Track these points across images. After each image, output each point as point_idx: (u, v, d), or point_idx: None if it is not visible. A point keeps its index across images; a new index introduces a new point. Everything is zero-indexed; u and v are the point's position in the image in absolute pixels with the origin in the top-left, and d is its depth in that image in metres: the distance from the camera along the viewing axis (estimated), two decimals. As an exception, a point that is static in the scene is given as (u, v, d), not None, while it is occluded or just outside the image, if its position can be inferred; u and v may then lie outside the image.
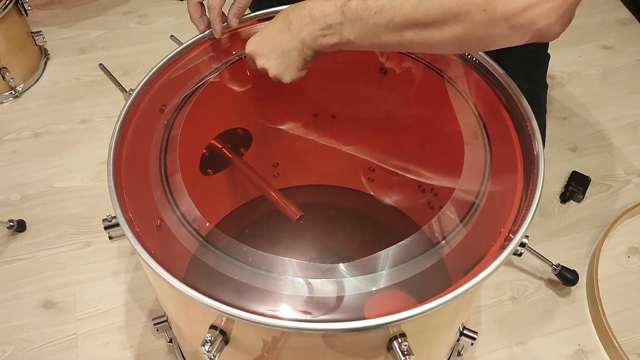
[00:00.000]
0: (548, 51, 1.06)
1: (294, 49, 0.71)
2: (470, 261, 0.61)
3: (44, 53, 1.51)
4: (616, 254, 1.15)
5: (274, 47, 0.72)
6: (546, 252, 1.08)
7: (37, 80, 1.46)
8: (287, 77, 0.74)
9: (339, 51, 0.84)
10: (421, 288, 0.60)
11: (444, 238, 0.64)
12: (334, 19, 0.66)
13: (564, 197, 1.23)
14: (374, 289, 0.60)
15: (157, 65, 0.80)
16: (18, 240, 1.15)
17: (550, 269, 1.07)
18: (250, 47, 0.75)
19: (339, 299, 0.58)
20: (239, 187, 1.04)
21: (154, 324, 0.88)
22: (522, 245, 0.63)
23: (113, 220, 0.64)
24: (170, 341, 0.95)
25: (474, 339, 0.83)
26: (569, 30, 1.02)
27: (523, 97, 0.74)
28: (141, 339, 1.01)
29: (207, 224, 0.66)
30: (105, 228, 0.65)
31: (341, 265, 0.61)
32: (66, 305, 1.05)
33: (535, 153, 0.70)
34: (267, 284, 0.59)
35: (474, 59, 0.80)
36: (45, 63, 1.51)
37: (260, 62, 0.74)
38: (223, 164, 0.94)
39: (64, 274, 1.10)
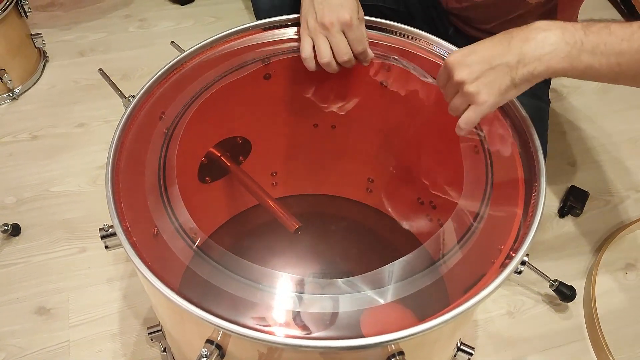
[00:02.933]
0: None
1: (506, 64, 0.62)
2: (471, 279, 0.61)
3: (42, 55, 1.50)
4: (614, 270, 1.14)
5: (483, 59, 0.63)
6: (543, 267, 1.07)
7: (35, 83, 1.46)
8: (483, 97, 0.63)
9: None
10: (421, 305, 0.60)
11: (444, 255, 0.63)
12: (573, 38, 0.59)
13: (562, 212, 1.22)
14: (372, 305, 0.59)
15: (157, 72, 0.79)
16: (12, 244, 1.13)
17: (547, 284, 1.06)
18: (454, 56, 0.65)
19: (338, 314, 0.58)
20: (237, 195, 1.03)
21: (148, 333, 0.87)
22: (523, 263, 0.62)
23: (110, 230, 0.63)
24: (165, 350, 0.94)
25: (470, 354, 0.82)
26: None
27: (526, 112, 0.74)
28: (135, 347, 1.00)
29: (205, 234, 0.65)
30: (102, 237, 0.64)
31: (340, 281, 0.60)
32: (59, 312, 1.04)
33: (537, 170, 0.70)
34: (264, 299, 0.58)
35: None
36: (44, 65, 1.50)
37: (460, 74, 0.64)
38: (221, 172, 0.94)
39: (58, 279, 1.08)
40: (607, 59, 0.60)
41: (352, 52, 0.76)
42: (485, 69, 0.63)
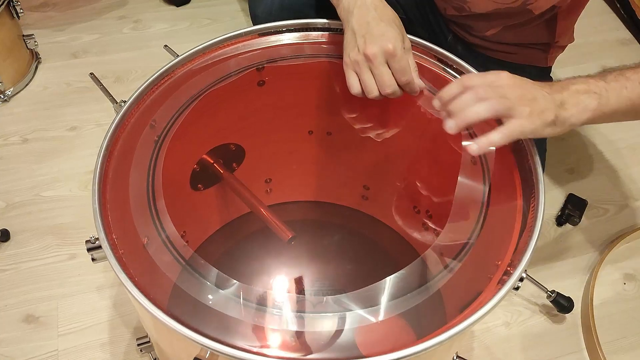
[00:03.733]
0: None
1: (552, 100, 0.64)
2: (468, 296, 0.59)
3: (35, 57, 1.48)
4: (612, 280, 1.13)
5: (534, 88, 0.65)
6: (540, 277, 1.06)
7: (27, 85, 1.43)
8: (528, 119, 0.63)
9: (330, 67, 0.83)
10: (417, 321, 0.58)
11: (441, 270, 0.62)
12: (597, 87, 0.65)
13: (560, 220, 1.21)
14: (367, 323, 0.57)
15: (149, 78, 0.77)
16: (1, 250, 1.11)
17: (545, 294, 1.04)
18: (502, 75, 0.66)
19: (331, 334, 0.56)
20: (230, 202, 1.01)
21: (138, 344, 0.85)
22: (521, 279, 0.61)
23: (96, 242, 0.61)
24: (155, 361, 0.92)
25: (467, 368, 0.81)
26: (569, 49, 1.01)
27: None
28: (125, 357, 0.98)
29: (194, 247, 0.63)
30: (88, 250, 0.62)
31: (334, 298, 0.58)
32: (48, 320, 1.02)
33: (535, 182, 0.68)
34: (254, 317, 0.56)
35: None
36: (36, 67, 1.47)
37: (514, 92, 0.64)
38: (214, 180, 0.92)
39: (47, 287, 1.06)
40: (632, 102, 0.66)
41: (397, 82, 0.72)
42: (530, 100, 0.63)
